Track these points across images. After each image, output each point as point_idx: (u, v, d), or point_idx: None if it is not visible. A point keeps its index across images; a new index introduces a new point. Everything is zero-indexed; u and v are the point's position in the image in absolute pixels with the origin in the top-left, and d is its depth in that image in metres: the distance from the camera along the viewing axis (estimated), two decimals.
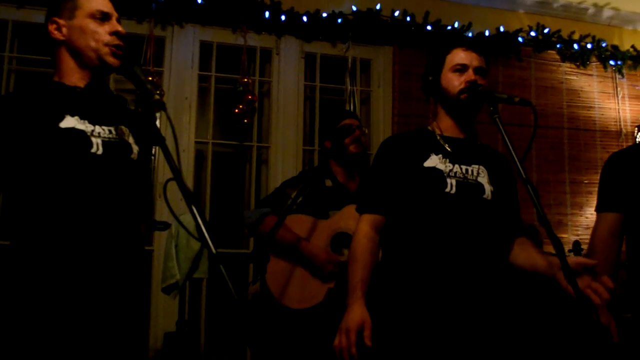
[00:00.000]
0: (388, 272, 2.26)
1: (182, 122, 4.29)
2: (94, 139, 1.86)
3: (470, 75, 2.25)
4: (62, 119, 1.85)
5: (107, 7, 1.97)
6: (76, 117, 1.87)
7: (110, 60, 1.94)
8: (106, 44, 1.93)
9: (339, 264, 2.96)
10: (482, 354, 2.11)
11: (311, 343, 2.91)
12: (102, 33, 1.93)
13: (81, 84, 1.94)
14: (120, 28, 1.97)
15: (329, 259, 2.96)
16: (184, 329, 3.48)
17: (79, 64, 1.94)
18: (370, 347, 2.10)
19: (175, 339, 3.54)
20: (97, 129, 1.89)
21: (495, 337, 2.16)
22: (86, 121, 1.88)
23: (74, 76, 1.94)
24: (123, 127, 1.95)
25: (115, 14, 1.98)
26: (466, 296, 2.14)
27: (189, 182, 4.24)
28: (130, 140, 1.95)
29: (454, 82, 2.26)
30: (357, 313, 2.15)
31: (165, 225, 3.28)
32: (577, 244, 4.23)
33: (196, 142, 4.34)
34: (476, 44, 2.34)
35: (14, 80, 4.12)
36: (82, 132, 1.85)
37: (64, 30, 1.94)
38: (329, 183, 3.21)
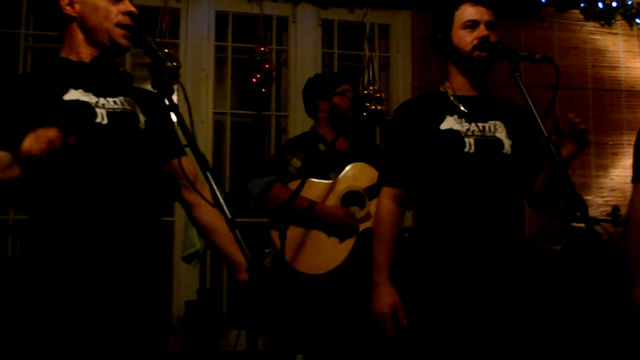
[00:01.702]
0: (417, 239, 2.25)
1: (200, 93, 4.27)
2: (98, 110, 1.84)
3: (482, 30, 2.18)
4: (66, 92, 1.83)
5: None
6: (80, 90, 1.85)
7: (122, 41, 1.90)
8: (117, 24, 1.90)
9: (356, 221, 2.95)
10: (511, 319, 2.09)
11: (330, 309, 2.91)
12: (115, 12, 1.89)
13: (87, 59, 1.92)
14: (133, 8, 1.94)
15: (347, 214, 2.95)
16: (206, 297, 3.50)
17: (89, 41, 1.92)
18: (406, 325, 2.10)
19: (197, 307, 3.57)
20: (102, 100, 1.87)
21: (522, 301, 2.14)
22: (90, 93, 1.86)
23: (82, 52, 1.92)
24: (128, 98, 1.93)
25: None
26: (492, 258, 2.11)
27: (209, 153, 4.24)
28: (137, 109, 1.93)
29: (466, 38, 2.20)
30: (386, 295, 2.14)
31: (183, 206, 3.28)
32: (615, 208, 4.14)
33: (214, 113, 4.34)
34: None
35: (30, 58, 4.13)
36: (87, 103, 1.84)
37: (77, 6, 1.90)
38: (321, 147, 3.16)
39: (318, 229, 2.99)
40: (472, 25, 2.20)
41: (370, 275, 2.21)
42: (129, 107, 1.91)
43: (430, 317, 2.12)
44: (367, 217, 2.98)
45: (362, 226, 2.99)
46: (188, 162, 2.01)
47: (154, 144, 1.96)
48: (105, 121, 1.84)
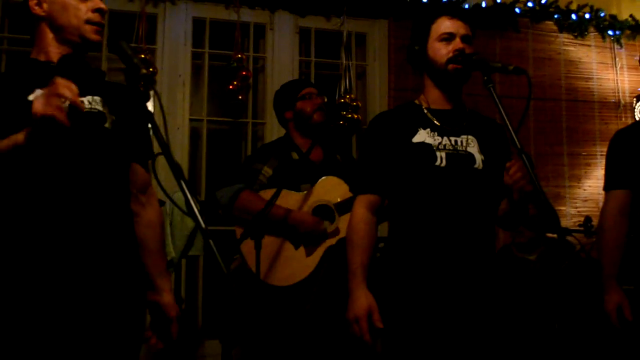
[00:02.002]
0: (389, 249, 2.27)
1: (177, 99, 4.25)
2: None
3: (457, 43, 2.21)
4: (31, 92, 1.81)
5: None
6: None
7: (92, 37, 1.91)
8: (87, 21, 1.90)
9: (321, 228, 2.94)
10: (479, 329, 2.12)
11: (305, 320, 2.90)
12: (84, 10, 1.90)
13: (56, 58, 1.91)
14: (102, 5, 1.94)
15: (318, 222, 2.94)
16: (181, 306, 3.46)
17: (59, 39, 1.91)
18: (382, 329, 2.11)
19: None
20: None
21: (491, 312, 2.16)
22: None
23: (52, 52, 1.91)
24: (97, 97, 1.92)
25: None
26: (463, 269, 2.13)
27: (184, 160, 4.21)
28: (105, 109, 1.92)
29: (442, 51, 2.22)
30: (362, 299, 2.15)
31: (160, 203, 3.25)
32: (588, 219, 4.19)
33: (191, 120, 4.31)
34: (461, 12, 2.30)
35: (5, 61, 4.08)
36: None
37: (45, 5, 1.90)
38: (295, 156, 3.14)
39: (287, 238, 2.98)
40: (448, 38, 2.22)
41: (344, 287, 2.22)
42: (97, 107, 1.90)
43: (401, 329, 2.14)
44: (336, 232, 2.97)
45: (329, 242, 2.98)
46: (141, 171, 2.02)
47: (120, 144, 1.94)
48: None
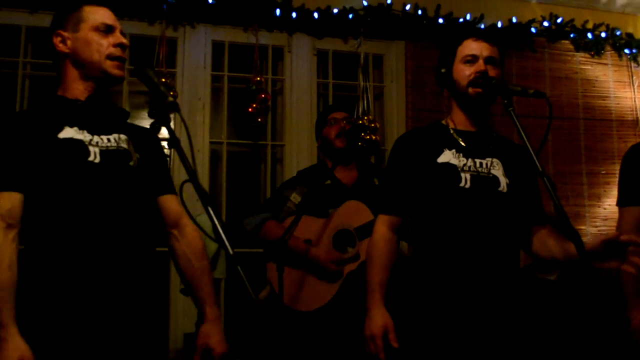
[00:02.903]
0: (414, 269, 2.27)
1: (196, 122, 4.30)
2: (91, 148, 1.88)
3: (480, 65, 2.22)
4: (61, 130, 1.87)
5: (111, 20, 2.00)
6: (75, 128, 1.89)
7: (114, 72, 1.97)
8: (108, 56, 1.95)
9: (341, 262, 2.96)
10: (502, 351, 2.11)
11: (329, 343, 2.91)
12: (106, 45, 1.96)
13: (82, 96, 1.96)
14: (124, 40, 2.00)
15: (330, 259, 2.96)
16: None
17: (82, 76, 1.97)
18: (397, 348, 2.11)
19: (195, 339, 3.55)
20: (96, 138, 1.91)
21: (514, 334, 2.16)
22: (85, 131, 1.90)
23: (77, 88, 1.96)
24: (122, 136, 1.97)
25: (118, 27, 2.02)
26: (485, 291, 2.13)
27: (204, 182, 4.24)
28: (130, 148, 1.97)
29: (465, 72, 2.24)
30: (378, 318, 2.16)
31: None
32: None
33: (211, 142, 4.35)
34: (488, 34, 2.32)
35: (28, 86, 4.15)
36: (80, 141, 1.88)
37: (69, 42, 1.96)
38: (328, 182, 3.18)
39: (310, 267, 3.00)
40: (472, 60, 2.24)
41: (365, 311, 2.23)
42: (123, 145, 1.95)
43: (424, 349, 2.13)
44: (356, 257, 2.99)
45: (350, 267, 2.99)
46: (171, 202, 2.06)
47: (145, 181, 1.99)
48: (97, 159, 1.88)
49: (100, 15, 1.98)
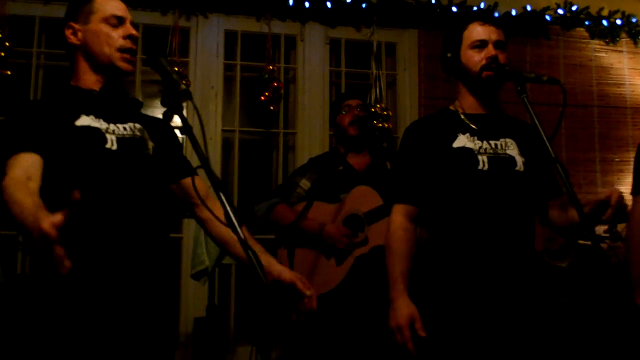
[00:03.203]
0: (431, 255, 2.26)
1: (209, 111, 4.32)
2: (108, 136, 1.89)
3: (490, 50, 2.21)
4: (77, 118, 1.88)
5: (122, 11, 1.99)
6: (91, 116, 1.90)
7: (122, 65, 1.97)
8: (118, 49, 1.95)
9: (351, 243, 2.96)
10: (523, 335, 2.12)
11: (339, 327, 2.93)
12: (116, 37, 1.96)
13: (96, 87, 1.97)
14: (134, 32, 2.00)
15: (342, 233, 2.96)
16: (214, 314, 3.52)
17: (93, 67, 1.98)
18: (425, 337, 2.10)
19: (205, 324, 3.60)
20: (112, 126, 1.92)
21: (535, 316, 2.16)
22: (101, 119, 1.91)
23: (89, 79, 1.98)
24: (137, 125, 1.98)
25: (129, 17, 2.01)
26: (507, 273, 2.13)
27: (217, 170, 4.27)
28: (145, 136, 1.98)
29: (475, 58, 2.23)
30: (403, 308, 2.14)
31: (198, 223, 3.30)
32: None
33: (223, 131, 4.37)
34: (492, 18, 2.30)
35: (42, 76, 4.18)
36: (97, 129, 1.89)
37: (80, 34, 1.97)
38: (340, 167, 3.20)
39: (319, 249, 3.02)
40: (481, 45, 2.23)
41: (374, 294, 2.24)
42: (138, 134, 1.97)
43: (444, 334, 2.13)
44: (365, 241, 3.00)
45: (359, 251, 3.00)
46: (198, 181, 2.06)
47: (160, 169, 2.00)
48: (114, 147, 1.89)
49: (111, 6, 1.98)
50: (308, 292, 1.96)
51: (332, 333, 2.94)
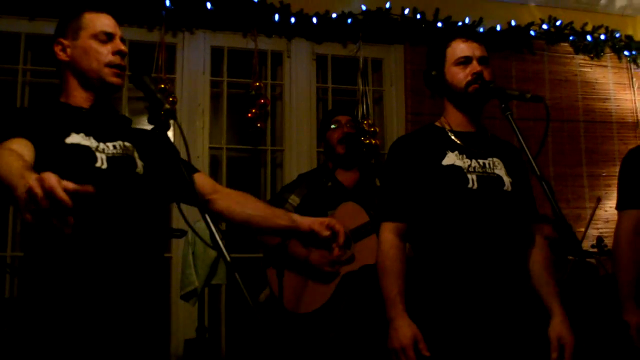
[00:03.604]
0: (420, 273, 2.24)
1: (196, 128, 4.30)
2: (98, 154, 1.87)
3: (475, 66, 2.22)
4: (67, 135, 1.86)
5: (111, 27, 1.97)
6: (81, 134, 1.88)
7: (112, 80, 1.95)
8: (107, 64, 1.93)
9: (334, 263, 2.96)
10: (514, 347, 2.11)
11: (330, 347, 2.92)
12: (105, 53, 1.94)
13: (86, 104, 1.95)
14: (123, 47, 1.98)
15: (327, 261, 2.96)
16: (204, 335, 3.49)
17: (83, 84, 1.95)
18: (429, 357, 2.07)
19: (196, 345, 3.56)
20: (102, 145, 1.90)
21: (527, 333, 2.16)
22: (91, 137, 1.89)
23: (79, 96, 1.95)
24: (127, 143, 1.96)
25: (119, 33, 1.99)
26: (497, 291, 2.12)
27: None
28: (135, 155, 1.96)
29: (459, 75, 2.23)
30: (405, 328, 2.10)
31: (182, 233, 3.28)
32: (599, 239, 4.16)
33: (210, 148, 4.35)
34: (475, 33, 2.32)
35: (28, 93, 4.16)
36: (87, 147, 1.86)
37: (69, 50, 1.95)
38: (329, 183, 3.19)
39: (308, 269, 3.01)
40: (465, 61, 2.24)
41: (367, 312, 2.22)
42: (127, 153, 1.94)
43: (442, 354, 2.12)
44: (351, 259, 2.98)
45: (345, 269, 3.00)
46: (202, 177, 2.07)
47: (151, 188, 1.98)
48: (104, 165, 1.87)
49: (100, 22, 1.96)
50: (325, 233, 2.00)
51: (321, 351, 2.92)
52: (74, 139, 1.86)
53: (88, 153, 1.86)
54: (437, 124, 2.34)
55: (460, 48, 2.26)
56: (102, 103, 1.99)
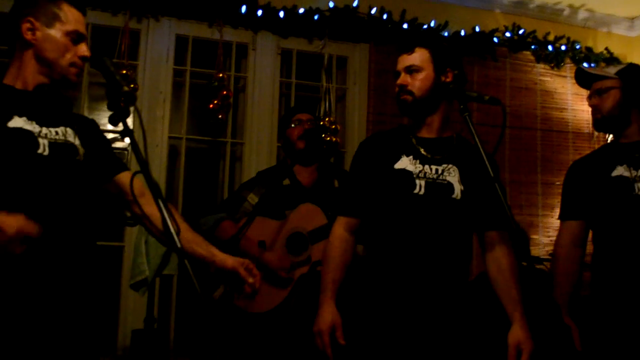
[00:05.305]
0: (364, 270, 2.31)
1: (156, 116, 4.25)
2: (40, 140, 1.86)
3: (400, 79, 2.29)
4: (10, 119, 1.84)
5: (83, 28, 1.99)
6: (24, 118, 1.86)
7: (74, 79, 1.98)
8: (71, 64, 1.95)
9: (293, 267, 2.96)
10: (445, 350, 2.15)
11: (279, 346, 2.91)
12: (73, 53, 1.95)
13: (31, 87, 1.93)
14: (88, 53, 1.98)
15: (282, 266, 2.95)
16: (152, 326, 3.45)
17: (41, 72, 1.94)
18: (344, 345, 2.16)
19: (143, 336, 3.51)
20: (44, 130, 1.88)
21: (461, 340, 2.20)
22: (34, 122, 1.87)
23: (29, 80, 1.93)
24: (69, 129, 1.95)
25: (86, 35, 2.01)
26: (430, 296, 2.16)
27: (162, 177, 4.20)
28: (77, 142, 1.95)
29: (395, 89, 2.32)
30: (327, 314, 2.21)
31: (135, 221, 3.24)
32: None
33: (170, 137, 4.31)
34: (411, 41, 2.35)
35: None
36: (30, 132, 1.85)
37: (38, 34, 1.92)
38: (287, 182, 3.17)
39: (263, 271, 3.00)
40: (397, 73, 2.32)
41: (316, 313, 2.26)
42: (69, 139, 1.93)
43: (363, 346, 2.17)
44: (308, 260, 2.98)
45: (301, 270, 3.00)
46: (135, 179, 2.02)
47: (92, 172, 1.97)
48: (46, 152, 1.85)
49: (77, 21, 1.97)
50: (250, 280, 2.00)
51: (272, 349, 2.92)
52: (17, 122, 1.84)
53: (30, 138, 1.84)
54: (408, 125, 2.38)
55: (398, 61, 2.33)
56: (49, 88, 1.97)
